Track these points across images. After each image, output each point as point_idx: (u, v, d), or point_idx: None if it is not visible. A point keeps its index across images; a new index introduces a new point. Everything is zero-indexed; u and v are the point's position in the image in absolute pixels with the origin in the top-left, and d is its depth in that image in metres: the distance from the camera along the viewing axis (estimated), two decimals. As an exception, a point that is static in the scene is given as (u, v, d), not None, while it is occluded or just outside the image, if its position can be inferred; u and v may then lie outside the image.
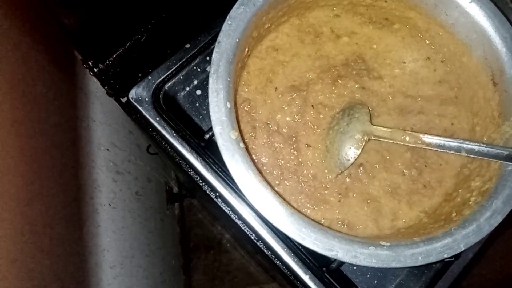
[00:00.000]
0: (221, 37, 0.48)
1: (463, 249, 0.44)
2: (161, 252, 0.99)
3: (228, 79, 0.47)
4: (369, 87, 0.56)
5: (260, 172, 0.45)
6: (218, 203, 0.54)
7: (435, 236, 0.45)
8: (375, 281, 0.54)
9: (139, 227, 0.83)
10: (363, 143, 0.51)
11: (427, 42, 0.58)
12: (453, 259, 0.53)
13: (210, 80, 0.46)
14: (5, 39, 0.43)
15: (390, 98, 0.56)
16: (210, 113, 0.45)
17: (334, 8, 0.59)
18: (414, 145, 0.50)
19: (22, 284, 0.39)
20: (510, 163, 0.47)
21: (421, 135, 0.50)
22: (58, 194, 0.51)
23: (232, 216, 0.53)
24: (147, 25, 0.61)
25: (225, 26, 0.48)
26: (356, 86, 0.56)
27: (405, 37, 0.59)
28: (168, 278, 1.02)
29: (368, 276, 0.54)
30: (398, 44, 0.59)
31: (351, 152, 0.51)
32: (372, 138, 0.51)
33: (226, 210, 0.53)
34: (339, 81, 0.56)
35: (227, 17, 0.48)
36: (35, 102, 0.48)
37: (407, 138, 0.50)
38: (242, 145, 0.45)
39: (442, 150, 0.49)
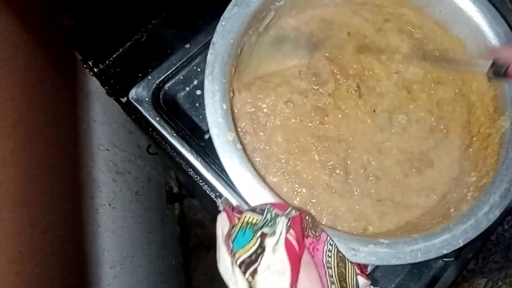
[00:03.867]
0: (215, 38, 0.47)
1: (462, 244, 0.44)
2: (161, 252, 0.99)
3: (224, 80, 0.46)
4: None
5: (258, 173, 0.45)
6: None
7: (434, 232, 0.45)
8: (375, 281, 0.54)
9: (139, 227, 0.82)
10: None
11: (418, 36, 0.59)
12: (452, 258, 0.53)
13: (206, 82, 0.46)
14: (5, 39, 0.43)
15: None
16: (207, 115, 0.45)
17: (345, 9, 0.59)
18: None
19: (22, 284, 0.39)
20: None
21: None
22: (58, 194, 0.51)
23: (232, 216, 0.53)
24: (147, 25, 0.61)
25: (219, 27, 0.48)
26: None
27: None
28: (168, 278, 1.02)
29: (368, 276, 0.54)
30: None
31: None
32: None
33: (226, 210, 0.53)
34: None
35: (221, 18, 0.48)
36: (35, 102, 0.48)
37: None
38: (239, 146, 0.44)
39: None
